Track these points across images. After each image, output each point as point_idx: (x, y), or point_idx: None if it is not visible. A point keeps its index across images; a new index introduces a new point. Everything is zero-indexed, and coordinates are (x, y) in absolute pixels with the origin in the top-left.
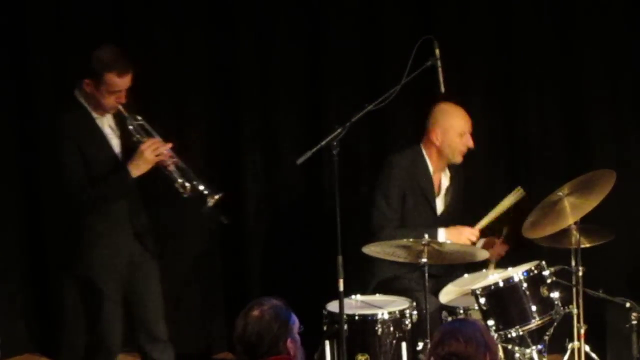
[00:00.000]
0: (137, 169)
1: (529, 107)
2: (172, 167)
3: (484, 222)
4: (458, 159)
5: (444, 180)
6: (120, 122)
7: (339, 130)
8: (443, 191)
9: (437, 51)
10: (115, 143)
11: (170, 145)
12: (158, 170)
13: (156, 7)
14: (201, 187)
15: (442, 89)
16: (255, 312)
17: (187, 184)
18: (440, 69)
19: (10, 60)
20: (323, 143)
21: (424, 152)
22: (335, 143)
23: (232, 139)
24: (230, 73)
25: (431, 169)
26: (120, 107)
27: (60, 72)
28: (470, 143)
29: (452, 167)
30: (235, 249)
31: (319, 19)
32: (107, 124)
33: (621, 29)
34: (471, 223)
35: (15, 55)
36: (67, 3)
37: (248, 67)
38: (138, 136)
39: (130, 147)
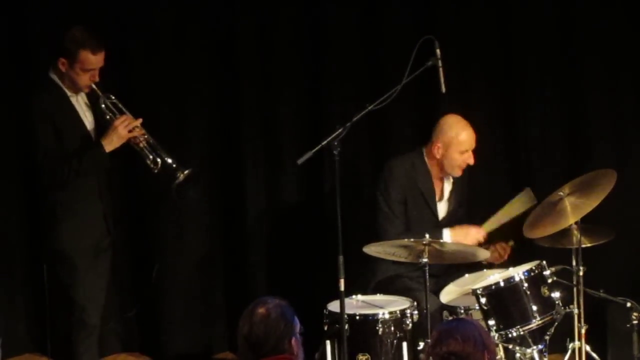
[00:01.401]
0: (110, 144)
1: (529, 107)
2: (143, 144)
3: (492, 224)
4: (456, 174)
5: (447, 185)
6: (94, 100)
7: (339, 130)
8: (446, 196)
9: (438, 51)
10: (89, 121)
11: (140, 120)
12: (129, 147)
13: (156, 4)
14: (170, 161)
15: (443, 89)
16: (261, 310)
17: (158, 160)
18: (441, 69)
19: (10, 52)
20: (324, 143)
21: (426, 157)
22: (336, 143)
23: (233, 139)
24: (231, 73)
25: (432, 173)
26: (93, 85)
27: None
28: (471, 160)
29: None
30: (236, 248)
31: (319, 18)
32: (82, 102)
33: (621, 28)
34: (474, 224)
35: (16, 46)
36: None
37: (248, 67)
38: (111, 114)
39: (103, 125)
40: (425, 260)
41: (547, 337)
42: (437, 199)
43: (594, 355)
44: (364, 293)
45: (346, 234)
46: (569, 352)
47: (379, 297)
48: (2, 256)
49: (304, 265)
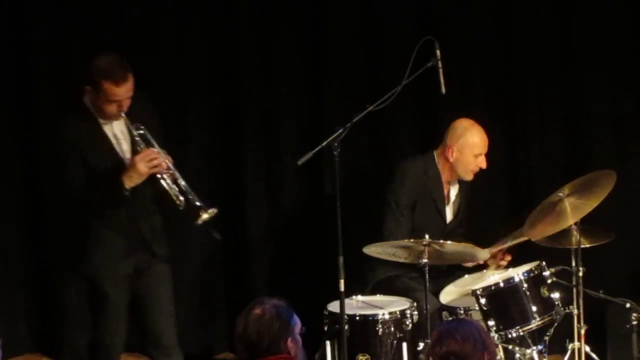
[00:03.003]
0: (130, 180)
1: (529, 108)
2: (168, 180)
3: (496, 247)
4: (468, 177)
5: (453, 189)
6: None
7: (340, 131)
8: (452, 199)
9: (438, 52)
10: (126, 149)
11: (167, 158)
12: (154, 181)
13: (157, 4)
14: (196, 202)
15: (443, 90)
16: (257, 311)
17: (181, 197)
18: (441, 70)
19: (10, 58)
20: (324, 144)
21: (437, 160)
22: (336, 144)
23: (233, 140)
24: (231, 74)
25: (443, 177)
26: (123, 115)
27: (59, 69)
28: (483, 164)
29: None
30: (236, 249)
31: (320, 19)
32: (118, 129)
33: (622, 28)
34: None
35: (15, 54)
36: (68, 2)
37: (249, 68)
38: (140, 146)
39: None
40: (425, 260)
41: (546, 338)
42: (445, 202)
43: (594, 355)
44: (362, 293)
45: (346, 235)
46: (569, 352)
47: (378, 298)
48: (2, 256)
49: (304, 266)
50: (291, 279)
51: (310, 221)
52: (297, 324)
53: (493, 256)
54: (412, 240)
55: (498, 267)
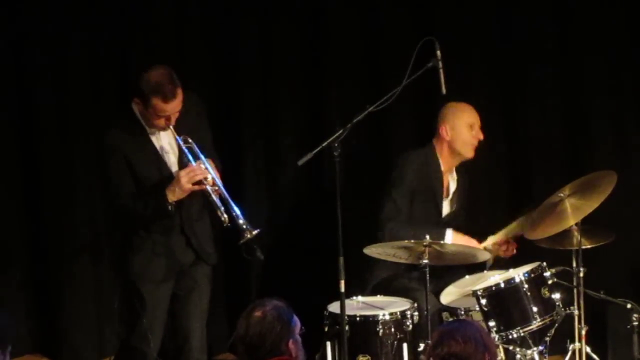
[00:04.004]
0: (173, 194)
1: (530, 109)
2: (214, 196)
3: (491, 241)
4: (470, 153)
5: (452, 183)
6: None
7: (340, 132)
8: (450, 194)
9: (439, 52)
10: (173, 161)
11: (211, 174)
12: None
13: (157, 4)
14: (240, 221)
15: (444, 90)
16: (258, 313)
17: (225, 215)
18: (441, 70)
19: (10, 55)
20: (324, 144)
21: (437, 150)
22: (336, 144)
23: (233, 140)
24: (231, 74)
25: (442, 168)
26: (171, 128)
27: (59, 67)
28: (480, 135)
29: (459, 171)
30: (236, 249)
31: (320, 19)
32: (165, 141)
33: (622, 28)
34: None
35: (14, 51)
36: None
37: (249, 68)
38: (187, 159)
39: (185, 166)
40: (425, 261)
41: (547, 339)
42: (443, 195)
43: (594, 356)
44: (362, 294)
45: (346, 235)
46: (570, 353)
47: (379, 298)
48: (2, 256)
49: (305, 266)
50: (291, 280)
51: (311, 222)
52: (297, 325)
53: (498, 244)
54: (412, 241)
55: (504, 253)
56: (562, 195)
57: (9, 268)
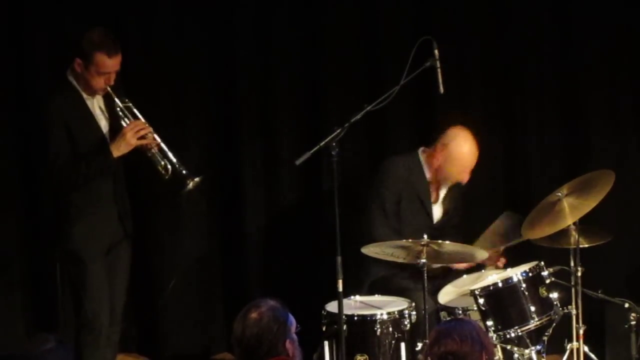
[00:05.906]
0: (118, 150)
1: (527, 108)
2: (154, 150)
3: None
4: (446, 185)
5: (443, 187)
6: (109, 103)
7: (338, 131)
8: (441, 198)
9: (437, 52)
10: (104, 124)
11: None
12: (141, 157)
13: (156, 4)
14: (182, 171)
15: (441, 90)
16: (254, 315)
17: (168, 167)
18: (439, 70)
19: (8, 45)
20: (322, 144)
21: (422, 159)
22: (334, 144)
23: (231, 140)
24: (230, 73)
25: (428, 175)
26: (109, 89)
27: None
28: (465, 179)
29: None
30: (235, 249)
31: (318, 19)
32: (97, 105)
33: (621, 27)
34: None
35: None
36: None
37: (247, 67)
38: (125, 119)
39: (117, 129)
40: (423, 260)
41: (545, 338)
42: (432, 200)
43: (592, 355)
44: (360, 294)
45: (344, 235)
46: (567, 352)
47: (377, 298)
48: (2, 256)
49: (302, 266)
50: (289, 279)
51: (308, 221)
52: (293, 324)
53: (489, 257)
54: (410, 240)
55: (496, 267)
56: (560, 194)
57: (9, 267)
